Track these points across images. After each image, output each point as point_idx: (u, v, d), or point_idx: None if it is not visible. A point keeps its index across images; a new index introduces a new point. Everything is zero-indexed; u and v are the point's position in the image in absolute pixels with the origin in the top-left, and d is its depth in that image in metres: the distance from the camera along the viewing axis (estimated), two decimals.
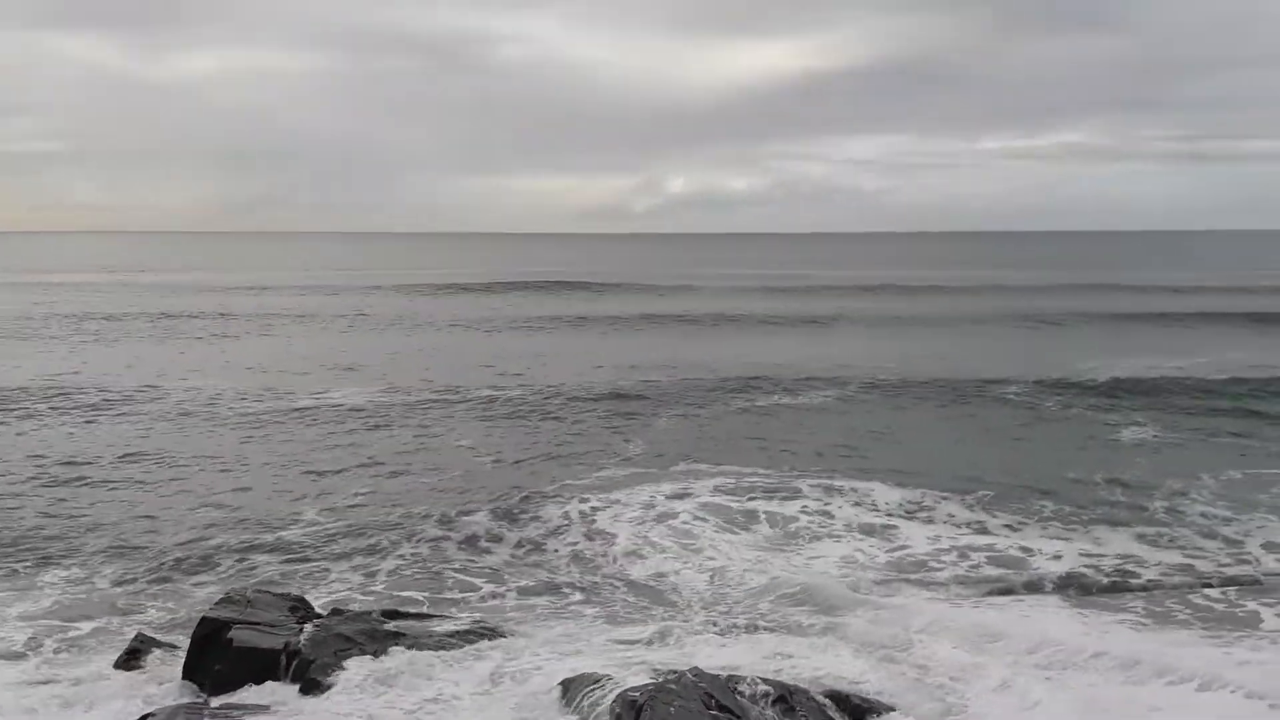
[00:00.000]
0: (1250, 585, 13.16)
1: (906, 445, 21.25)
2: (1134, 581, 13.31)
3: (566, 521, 15.76)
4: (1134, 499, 17.12)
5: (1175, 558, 14.26)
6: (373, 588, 13.31)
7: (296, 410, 24.55)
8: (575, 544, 14.88)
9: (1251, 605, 12.38)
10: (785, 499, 16.76)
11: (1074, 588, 13.04)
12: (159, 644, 10.76)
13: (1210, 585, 13.16)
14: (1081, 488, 17.78)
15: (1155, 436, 22.15)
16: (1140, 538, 15.12)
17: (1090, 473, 18.67)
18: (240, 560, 14.24)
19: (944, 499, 16.84)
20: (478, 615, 11.94)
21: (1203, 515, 16.15)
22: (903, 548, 14.68)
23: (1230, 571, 13.75)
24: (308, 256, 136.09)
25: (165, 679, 9.95)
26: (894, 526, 15.60)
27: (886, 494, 17.06)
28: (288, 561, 14.19)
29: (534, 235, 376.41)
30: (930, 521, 15.94)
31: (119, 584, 13.29)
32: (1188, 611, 12.27)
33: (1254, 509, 16.38)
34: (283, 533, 15.37)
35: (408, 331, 43.31)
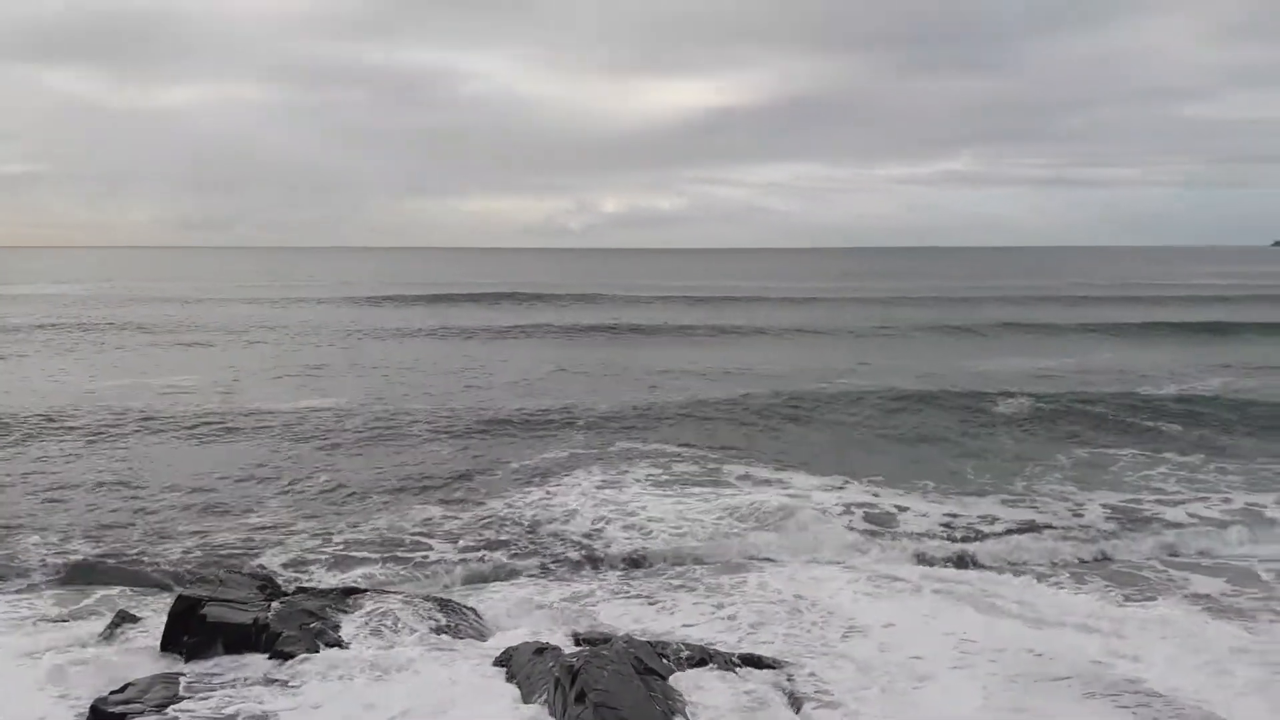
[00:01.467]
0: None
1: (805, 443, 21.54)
2: (986, 530, 14.96)
3: (512, 508, 15.96)
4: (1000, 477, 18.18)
5: (1028, 514, 15.80)
6: (333, 567, 13.33)
7: (249, 414, 24.09)
8: (527, 519, 15.18)
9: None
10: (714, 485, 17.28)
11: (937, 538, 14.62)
12: (137, 619, 10.71)
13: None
14: (954, 469, 18.86)
15: (1022, 429, 22.84)
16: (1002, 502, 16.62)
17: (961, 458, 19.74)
18: (211, 544, 14.15)
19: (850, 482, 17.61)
20: (432, 588, 12.07)
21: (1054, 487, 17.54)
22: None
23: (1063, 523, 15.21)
24: (276, 269, 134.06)
25: (144, 650, 9.90)
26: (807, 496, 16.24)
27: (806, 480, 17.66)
28: (254, 545, 14.12)
29: (484, 250, 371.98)
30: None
31: (99, 559, 13.16)
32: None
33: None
34: (248, 518, 15.32)
35: (358, 339, 42.00)
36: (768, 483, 17.39)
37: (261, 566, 13.11)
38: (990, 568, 13.42)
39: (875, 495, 16.81)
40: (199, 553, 13.73)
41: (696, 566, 13.25)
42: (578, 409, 23.96)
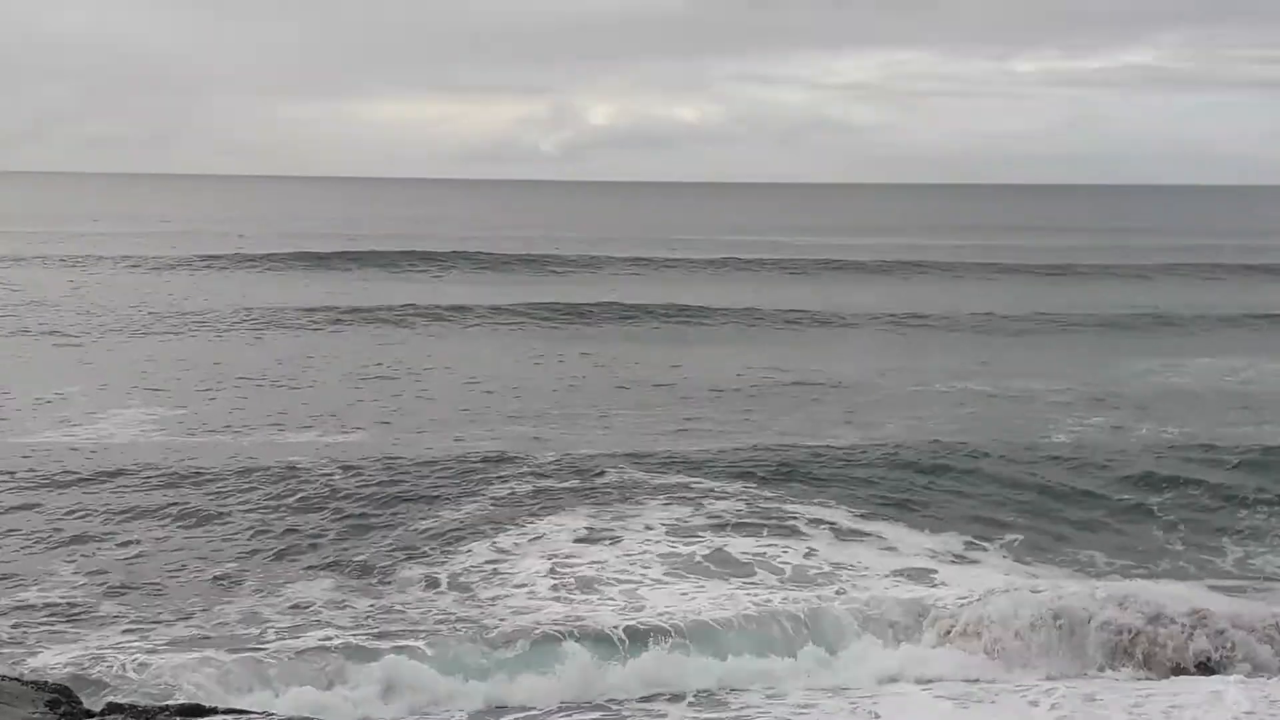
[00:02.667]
0: None
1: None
2: None
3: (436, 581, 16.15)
4: None
5: None
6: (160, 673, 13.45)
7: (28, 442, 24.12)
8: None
9: None
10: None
11: None
12: None
13: None
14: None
15: None
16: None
17: None
18: None
19: None
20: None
21: None
22: None
23: None
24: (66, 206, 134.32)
25: None
26: None
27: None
28: (49, 631, 14.27)
29: (404, 181, 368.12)
30: None
31: None
32: None
33: None
34: (27, 593, 15.50)
35: (199, 325, 41.31)
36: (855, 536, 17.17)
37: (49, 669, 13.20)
38: None
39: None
40: None
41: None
42: (550, 447, 23.67)
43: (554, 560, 17.21)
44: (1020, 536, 19.57)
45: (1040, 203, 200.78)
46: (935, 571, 17.47)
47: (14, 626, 14.62)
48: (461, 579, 16.60)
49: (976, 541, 19.20)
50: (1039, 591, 15.88)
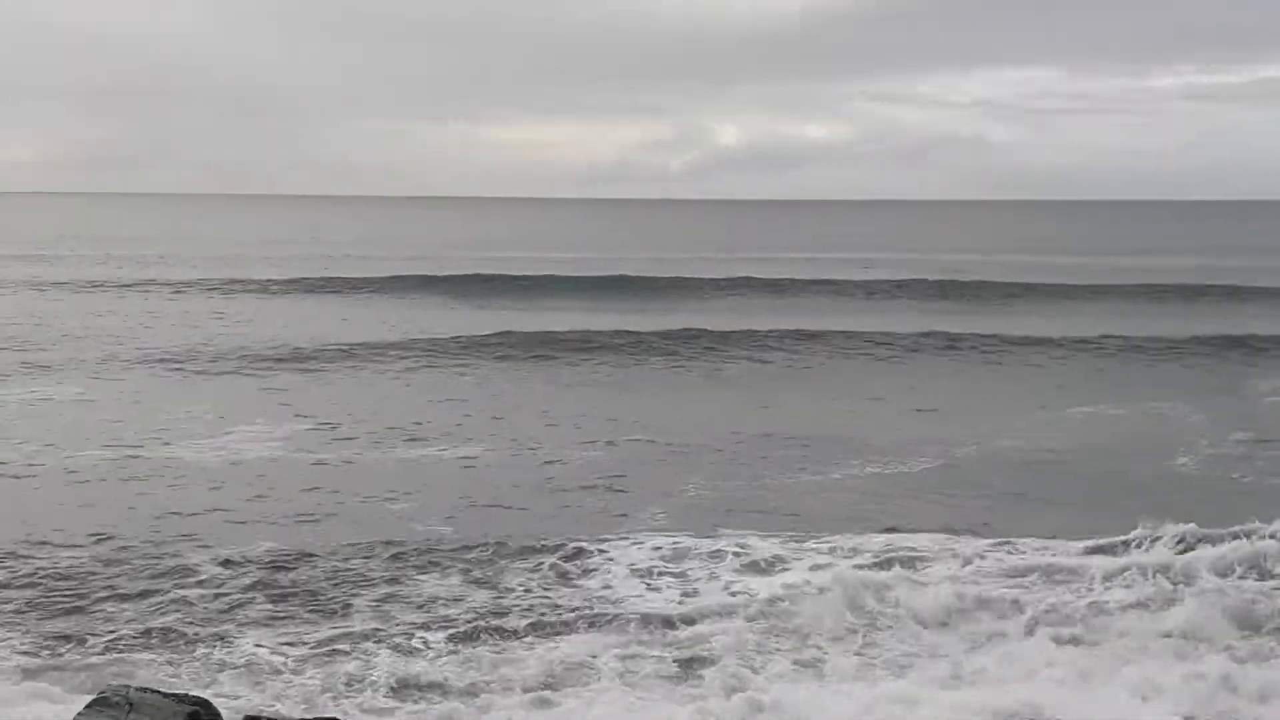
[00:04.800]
0: None
1: None
2: None
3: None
4: None
5: None
6: (297, 678, 13.49)
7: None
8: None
9: None
10: None
11: None
12: None
13: None
14: None
15: None
16: None
17: None
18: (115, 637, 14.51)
19: None
20: None
21: None
22: None
23: None
24: (214, 225, 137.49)
25: None
26: None
27: None
28: (186, 641, 14.40)
29: (524, 202, 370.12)
30: None
31: None
32: None
33: None
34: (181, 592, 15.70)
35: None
36: None
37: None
38: None
39: None
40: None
41: None
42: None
43: None
44: None
45: (1181, 221, 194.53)
46: None
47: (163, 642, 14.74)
48: None
49: None
50: None
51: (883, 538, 18.82)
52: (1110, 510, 20.36)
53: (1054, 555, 17.98)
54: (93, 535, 18.71)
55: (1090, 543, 18.27)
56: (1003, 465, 24.76)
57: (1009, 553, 18.16)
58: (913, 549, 18.16)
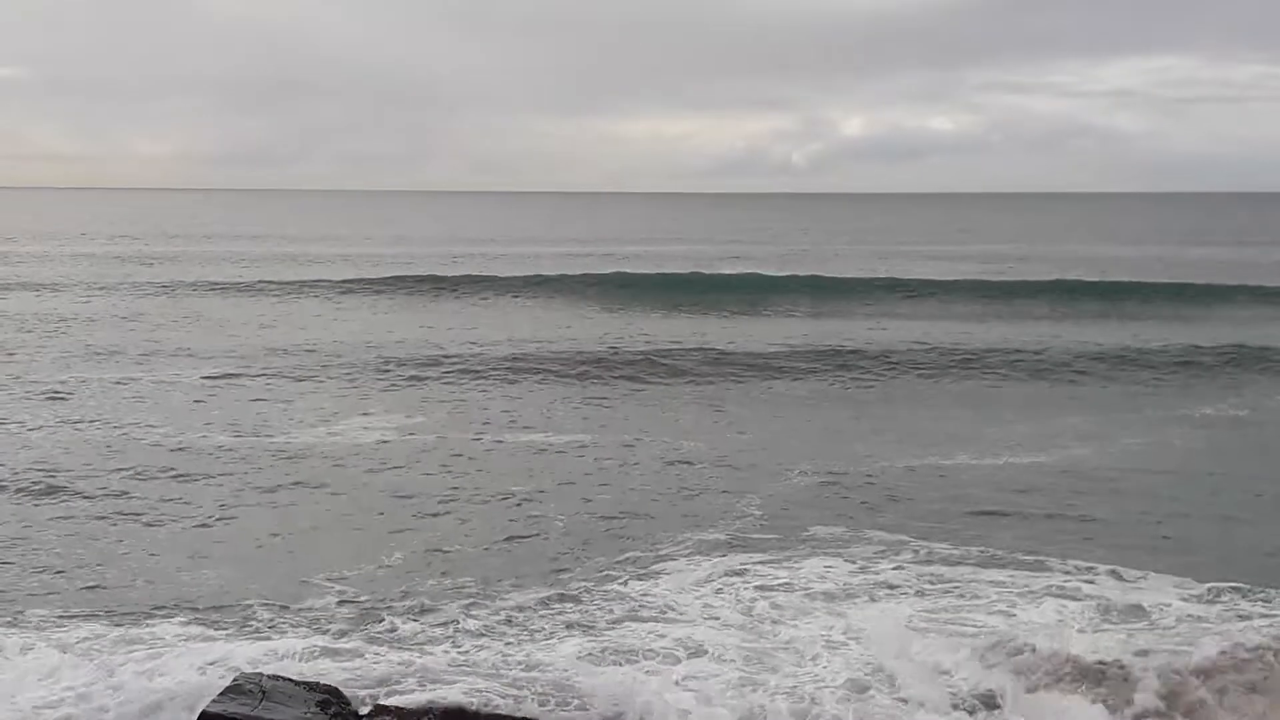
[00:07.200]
0: None
1: None
2: None
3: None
4: None
5: None
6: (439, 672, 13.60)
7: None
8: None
9: None
10: None
11: None
12: None
13: None
14: None
15: None
16: None
17: None
18: (257, 625, 14.95)
19: None
20: None
21: None
22: None
23: None
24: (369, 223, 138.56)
25: None
26: None
27: None
28: (320, 632, 14.63)
29: (658, 197, 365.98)
30: None
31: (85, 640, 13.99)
32: None
33: None
34: (312, 600, 16.00)
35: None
36: None
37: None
38: None
39: None
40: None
41: None
42: None
43: None
44: None
45: None
46: None
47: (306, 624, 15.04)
48: None
49: None
50: None
51: None
52: None
53: None
54: None
55: None
56: None
57: None
58: None
